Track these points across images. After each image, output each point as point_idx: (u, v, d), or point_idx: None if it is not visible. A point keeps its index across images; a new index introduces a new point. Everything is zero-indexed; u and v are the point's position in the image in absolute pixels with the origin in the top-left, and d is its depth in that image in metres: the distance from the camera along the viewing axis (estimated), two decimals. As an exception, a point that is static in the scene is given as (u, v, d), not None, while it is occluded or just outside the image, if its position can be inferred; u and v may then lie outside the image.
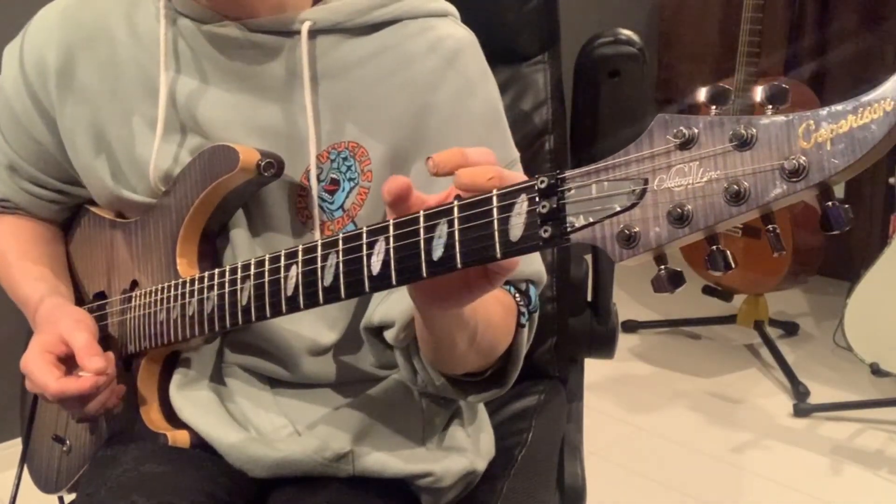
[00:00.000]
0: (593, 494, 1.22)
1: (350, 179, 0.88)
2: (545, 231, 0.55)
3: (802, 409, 2.31)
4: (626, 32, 1.15)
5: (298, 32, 0.87)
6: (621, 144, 0.54)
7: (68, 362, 0.88)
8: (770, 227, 0.50)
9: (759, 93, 0.50)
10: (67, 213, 1.07)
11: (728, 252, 0.52)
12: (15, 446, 2.12)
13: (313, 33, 0.87)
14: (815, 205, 0.49)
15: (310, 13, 0.87)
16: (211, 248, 0.91)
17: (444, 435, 0.95)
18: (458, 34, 0.89)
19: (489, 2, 1.21)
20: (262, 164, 0.84)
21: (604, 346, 1.27)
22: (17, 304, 1.01)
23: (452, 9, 0.93)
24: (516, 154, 0.91)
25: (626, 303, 3.03)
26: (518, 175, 0.60)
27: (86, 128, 0.93)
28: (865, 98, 0.46)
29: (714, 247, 0.52)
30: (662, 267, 0.53)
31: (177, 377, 0.93)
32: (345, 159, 0.88)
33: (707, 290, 2.74)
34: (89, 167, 0.94)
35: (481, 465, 0.95)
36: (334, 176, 0.88)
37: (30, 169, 1.00)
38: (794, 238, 2.42)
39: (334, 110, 0.87)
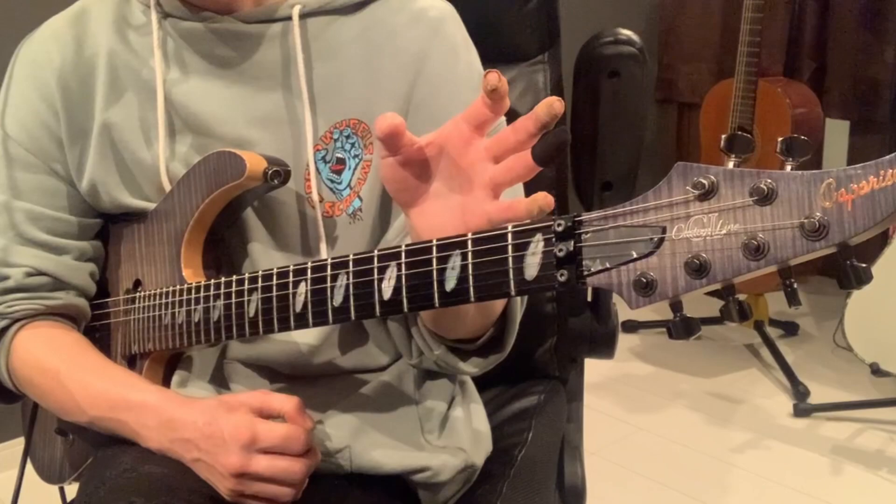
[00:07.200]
0: (593, 494, 1.22)
1: (355, 156, 0.89)
2: (562, 275, 0.55)
3: (802, 409, 2.31)
4: (626, 32, 1.15)
5: (289, 18, 0.88)
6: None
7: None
8: (787, 281, 0.49)
9: (779, 144, 0.49)
10: (95, 278, 0.98)
11: (744, 303, 0.52)
12: (14, 446, 2.13)
13: (303, 16, 0.88)
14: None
15: None
16: (215, 251, 0.91)
17: (440, 430, 0.96)
18: (438, 5, 0.91)
19: (489, 2, 1.21)
20: (270, 172, 0.84)
21: (604, 347, 1.27)
22: (79, 414, 0.88)
23: None
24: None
25: (626, 303, 3.02)
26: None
27: (94, 140, 0.92)
28: (887, 160, 0.45)
29: (730, 297, 0.52)
30: (678, 315, 0.53)
31: (177, 377, 0.93)
32: (347, 137, 0.89)
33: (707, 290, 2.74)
34: (97, 181, 0.92)
35: (479, 459, 0.96)
36: (340, 155, 0.89)
37: (45, 229, 0.93)
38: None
39: (332, 90, 0.88)
